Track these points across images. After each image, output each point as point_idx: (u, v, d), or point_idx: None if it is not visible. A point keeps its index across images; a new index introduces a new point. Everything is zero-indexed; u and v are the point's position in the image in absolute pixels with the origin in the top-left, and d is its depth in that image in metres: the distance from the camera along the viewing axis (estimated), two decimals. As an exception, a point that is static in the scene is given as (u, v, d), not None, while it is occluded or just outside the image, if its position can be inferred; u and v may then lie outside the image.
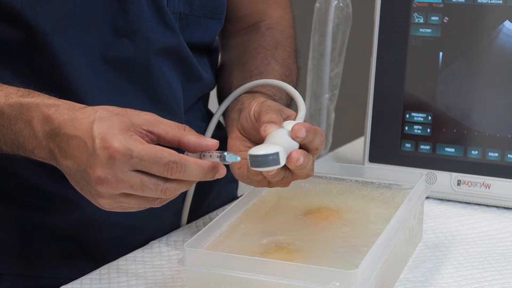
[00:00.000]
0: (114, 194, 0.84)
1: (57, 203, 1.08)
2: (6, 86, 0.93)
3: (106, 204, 0.85)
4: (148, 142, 0.85)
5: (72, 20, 1.00)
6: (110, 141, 0.82)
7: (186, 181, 0.85)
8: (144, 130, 0.85)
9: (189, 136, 0.86)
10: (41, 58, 1.01)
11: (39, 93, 0.91)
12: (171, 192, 0.85)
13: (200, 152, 0.87)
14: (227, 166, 0.95)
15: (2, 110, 0.90)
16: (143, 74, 1.06)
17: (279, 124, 0.90)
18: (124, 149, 0.82)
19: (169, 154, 0.83)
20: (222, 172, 0.86)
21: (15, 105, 0.89)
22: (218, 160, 0.86)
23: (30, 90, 0.92)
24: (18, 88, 0.92)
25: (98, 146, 0.82)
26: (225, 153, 0.85)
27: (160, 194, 0.84)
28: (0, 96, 0.91)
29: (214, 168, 0.85)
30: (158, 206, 0.87)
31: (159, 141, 0.87)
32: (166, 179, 0.84)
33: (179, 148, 0.87)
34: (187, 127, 0.87)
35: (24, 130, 0.89)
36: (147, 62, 1.06)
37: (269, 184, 0.91)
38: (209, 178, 0.86)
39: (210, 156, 0.86)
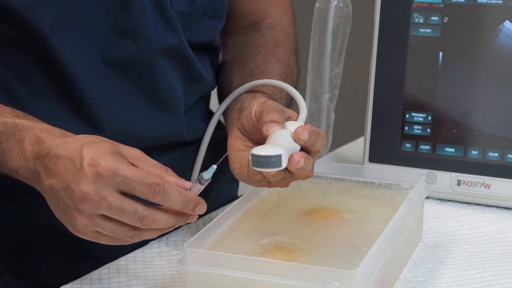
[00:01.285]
0: (92, 214, 0.84)
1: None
2: (2, 105, 0.94)
3: (82, 224, 0.84)
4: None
5: (72, 20, 1.00)
6: (98, 160, 0.83)
7: (164, 215, 0.85)
8: (129, 162, 0.85)
9: (170, 177, 0.87)
10: (42, 59, 1.01)
11: (33, 117, 0.93)
12: (147, 222, 0.84)
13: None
14: (227, 168, 0.95)
15: None
16: (144, 74, 1.06)
17: (282, 124, 0.90)
18: (111, 167, 0.82)
19: (154, 176, 0.84)
20: (202, 208, 0.87)
21: (9, 124, 0.91)
22: (198, 184, 0.87)
23: (25, 113, 0.93)
24: (13, 109, 0.94)
25: (85, 163, 0.83)
26: (201, 174, 0.87)
27: (136, 221, 0.84)
28: None
29: (195, 199, 0.86)
30: (130, 241, 0.86)
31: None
32: (145, 207, 0.84)
33: None
34: (169, 170, 0.87)
35: (14, 148, 0.90)
36: (148, 62, 1.06)
37: (269, 184, 0.92)
38: (189, 209, 0.86)
39: (190, 189, 0.87)
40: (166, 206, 0.85)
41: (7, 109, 0.93)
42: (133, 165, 0.85)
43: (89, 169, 0.83)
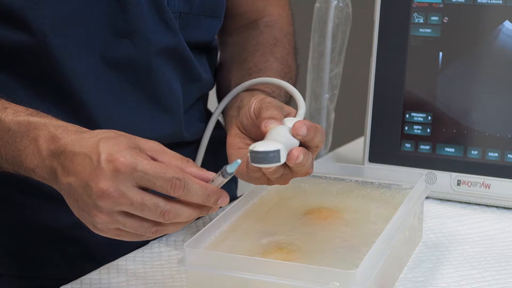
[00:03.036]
0: (113, 211, 0.81)
1: (57, 203, 1.08)
2: (15, 104, 0.92)
3: (103, 222, 0.82)
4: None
5: (71, 21, 1.00)
6: (116, 155, 0.80)
7: (186, 209, 0.83)
8: (149, 155, 0.83)
9: (191, 168, 0.84)
10: (41, 60, 1.01)
11: (47, 114, 0.91)
12: (170, 216, 0.82)
13: None
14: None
15: (9, 126, 0.89)
16: (142, 74, 1.06)
17: (280, 120, 0.90)
18: (129, 162, 0.80)
19: (174, 170, 0.81)
20: (225, 201, 0.84)
21: (23, 122, 0.88)
22: (221, 177, 0.84)
23: (38, 111, 0.91)
24: (26, 108, 0.92)
25: (103, 160, 0.81)
26: (224, 167, 0.84)
27: (159, 216, 0.82)
28: (8, 113, 0.90)
29: (217, 192, 0.84)
30: (152, 237, 0.84)
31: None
32: (167, 201, 0.82)
33: None
34: (190, 160, 0.85)
35: (29, 147, 0.87)
36: (147, 62, 1.06)
37: (268, 182, 0.91)
38: (211, 202, 0.83)
39: (212, 181, 0.85)
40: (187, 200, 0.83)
41: (20, 108, 0.91)
42: (152, 158, 0.83)
43: (107, 165, 0.80)
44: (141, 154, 0.82)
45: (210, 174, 0.85)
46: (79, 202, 0.83)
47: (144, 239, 0.85)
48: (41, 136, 0.87)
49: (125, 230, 0.83)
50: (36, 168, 0.87)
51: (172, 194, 0.81)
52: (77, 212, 0.85)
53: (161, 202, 0.81)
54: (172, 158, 0.84)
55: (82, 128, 0.87)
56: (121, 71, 1.05)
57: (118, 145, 0.82)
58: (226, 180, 0.85)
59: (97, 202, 0.81)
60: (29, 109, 0.92)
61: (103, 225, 0.83)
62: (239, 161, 0.84)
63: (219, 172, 0.84)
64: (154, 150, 0.84)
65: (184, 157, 0.85)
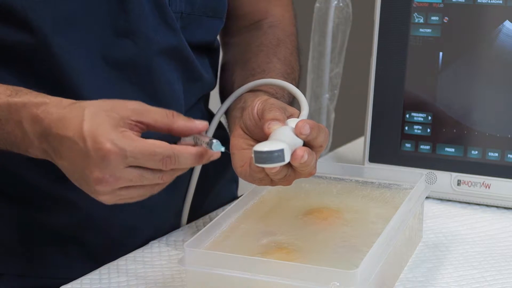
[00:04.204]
0: (114, 190, 0.85)
1: (57, 203, 1.08)
2: None
3: (107, 200, 0.86)
4: (138, 132, 0.86)
5: (73, 20, 1.00)
6: (102, 142, 0.83)
7: (185, 162, 0.86)
8: (133, 121, 0.86)
9: (178, 122, 0.87)
10: (42, 59, 1.01)
11: (27, 90, 0.91)
12: (168, 177, 0.86)
13: (194, 136, 0.88)
14: (227, 168, 0.95)
15: None
16: (144, 74, 1.06)
17: (283, 122, 0.90)
18: (118, 150, 0.83)
19: (163, 149, 0.84)
20: (216, 155, 0.87)
21: (3, 105, 0.90)
22: (206, 146, 0.87)
23: (19, 88, 0.92)
24: (6, 87, 0.92)
25: (90, 147, 0.83)
26: (214, 141, 0.86)
27: (158, 180, 0.85)
28: None
29: (205, 154, 0.86)
30: (157, 191, 0.88)
31: (149, 129, 0.87)
32: (159, 174, 0.85)
33: (170, 134, 0.88)
34: (175, 113, 0.87)
35: (16, 130, 0.89)
36: (148, 62, 1.05)
37: (272, 182, 0.91)
38: (203, 162, 0.87)
39: (202, 143, 0.87)
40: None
41: (0, 88, 0.92)
42: (139, 122, 0.85)
43: (96, 153, 0.83)
44: (127, 134, 0.84)
45: (199, 123, 0.87)
46: (79, 181, 0.87)
47: (154, 192, 0.88)
48: (24, 118, 0.88)
49: (130, 197, 0.87)
50: (29, 149, 0.90)
51: (165, 169, 0.85)
52: (81, 188, 0.88)
53: (156, 174, 0.85)
54: (157, 115, 0.86)
55: (62, 101, 0.88)
56: (122, 71, 1.05)
57: (101, 126, 0.83)
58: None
59: (96, 188, 0.84)
60: (9, 87, 0.92)
61: (108, 201, 0.87)
62: (222, 148, 0.87)
63: (208, 141, 0.86)
64: (138, 113, 0.86)
65: (168, 111, 0.87)
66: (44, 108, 0.87)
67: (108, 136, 0.83)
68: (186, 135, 0.88)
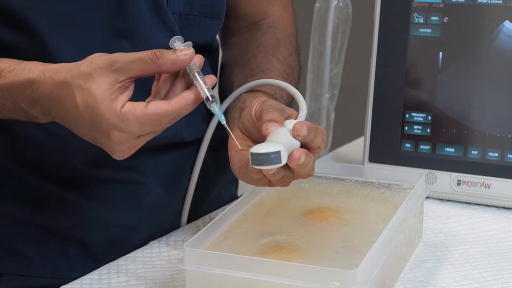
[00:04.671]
0: (133, 147, 0.90)
1: (57, 203, 1.08)
2: None
3: (128, 154, 0.90)
4: (131, 86, 0.88)
5: (70, 21, 1.00)
6: (108, 132, 0.86)
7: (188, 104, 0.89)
8: (124, 80, 0.87)
9: (166, 65, 0.88)
10: (39, 60, 1.00)
11: (8, 65, 0.93)
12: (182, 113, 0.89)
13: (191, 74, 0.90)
14: (227, 169, 0.95)
15: None
16: (143, 74, 1.06)
17: (281, 123, 0.90)
18: (127, 136, 0.87)
19: (166, 115, 0.87)
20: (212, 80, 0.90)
21: None
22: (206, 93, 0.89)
23: (0, 68, 0.93)
24: None
25: (100, 137, 0.87)
26: (214, 104, 0.90)
27: (172, 121, 0.89)
28: None
29: (200, 98, 0.89)
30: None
31: (140, 77, 0.89)
32: (171, 112, 0.88)
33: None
34: (158, 53, 0.88)
35: (16, 108, 0.93)
36: (146, 62, 1.05)
37: (269, 183, 0.91)
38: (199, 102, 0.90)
39: (199, 91, 0.89)
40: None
41: None
42: (128, 79, 0.87)
43: (107, 141, 0.88)
44: (127, 113, 0.86)
45: (184, 58, 0.88)
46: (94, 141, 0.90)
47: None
48: (19, 100, 0.91)
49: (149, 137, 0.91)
50: (36, 120, 0.94)
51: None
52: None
53: (168, 115, 0.88)
54: (144, 65, 0.87)
55: (46, 77, 0.90)
56: (121, 71, 1.05)
57: (100, 112, 0.86)
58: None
59: (115, 156, 0.90)
60: None
61: (130, 153, 0.91)
62: (222, 118, 0.91)
63: (206, 97, 0.89)
64: (124, 71, 0.87)
65: (151, 53, 0.88)
66: (33, 89, 0.90)
67: (111, 122, 0.86)
68: (177, 70, 0.90)
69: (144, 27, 1.04)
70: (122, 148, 0.88)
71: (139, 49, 1.04)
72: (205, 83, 0.89)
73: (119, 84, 0.87)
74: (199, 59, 0.91)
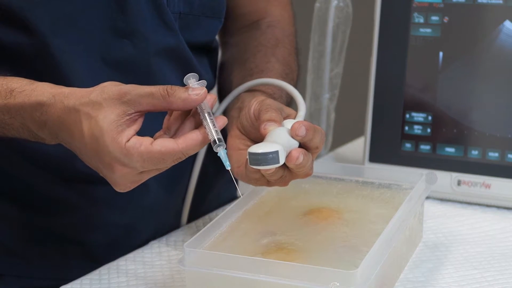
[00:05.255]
0: (135, 182, 0.87)
1: (57, 204, 1.08)
2: None
3: (130, 188, 0.88)
4: (139, 119, 0.86)
5: (71, 21, 1.00)
6: (111, 164, 0.84)
7: (195, 144, 0.87)
8: (133, 113, 0.85)
9: (176, 103, 0.85)
10: (41, 60, 1.01)
11: (19, 85, 0.91)
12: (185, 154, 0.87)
13: (202, 113, 0.87)
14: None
15: None
16: (142, 74, 1.06)
17: (279, 123, 0.90)
18: (130, 170, 0.85)
19: (171, 153, 0.84)
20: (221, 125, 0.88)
21: (3, 108, 0.91)
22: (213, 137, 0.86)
23: (10, 84, 0.92)
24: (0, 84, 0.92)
25: (102, 168, 0.86)
26: (220, 148, 0.86)
27: (176, 161, 0.86)
28: None
29: (207, 140, 0.87)
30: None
31: (149, 111, 0.87)
32: (176, 152, 0.86)
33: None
34: (169, 90, 0.86)
35: (24, 129, 0.91)
36: (146, 62, 1.05)
37: (268, 183, 0.91)
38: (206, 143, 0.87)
39: (207, 132, 0.86)
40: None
41: None
42: (137, 112, 0.85)
43: (109, 173, 0.85)
44: (131, 149, 0.83)
45: (195, 98, 0.85)
46: (97, 170, 0.88)
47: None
48: (27, 121, 0.90)
49: (152, 174, 0.88)
50: (44, 141, 0.92)
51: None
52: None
53: (173, 155, 0.85)
54: (154, 101, 0.85)
55: (56, 101, 0.88)
56: (121, 71, 1.05)
57: (105, 145, 0.84)
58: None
59: (116, 189, 0.87)
60: (3, 86, 0.92)
61: (131, 187, 0.89)
62: (223, 151, 0.87)
63: (214, 139, 0.86)
64: (134, 104, 0.85)
65: (162, 88, 0.86)
66: (43, 111, 0.88)
67: (114, 155, 0.84)
68: (188, 109, 0.87)
69: (145, 27, 1.04)
70: (124, 182, 0.86)
71: (139, 48, 1.04)
72: (214, 125, 0.86)
73: (128, 117, 0.85)
74: (211, 99, 0.87)
